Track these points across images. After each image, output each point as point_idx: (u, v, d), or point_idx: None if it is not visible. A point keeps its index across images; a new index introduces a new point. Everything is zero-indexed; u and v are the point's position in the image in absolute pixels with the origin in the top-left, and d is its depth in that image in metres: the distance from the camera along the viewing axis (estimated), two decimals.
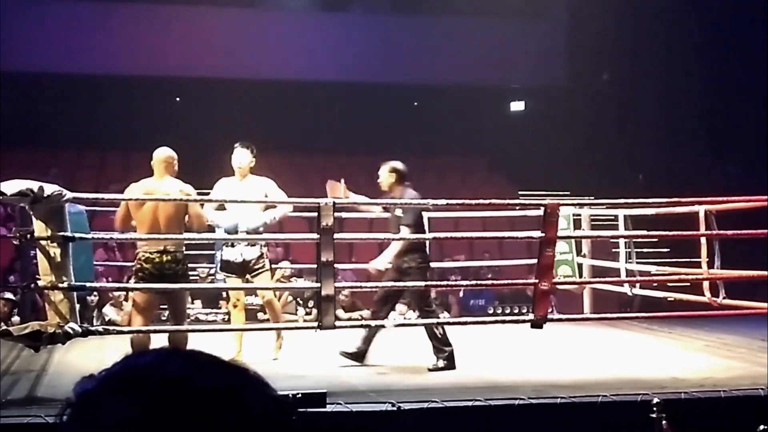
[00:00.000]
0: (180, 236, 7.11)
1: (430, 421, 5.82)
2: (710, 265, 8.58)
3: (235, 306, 8.19)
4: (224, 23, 17.59)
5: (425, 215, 10.27)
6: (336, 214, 7.11)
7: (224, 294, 11.64)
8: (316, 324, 6.98)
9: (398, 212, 7.70)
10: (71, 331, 6.22)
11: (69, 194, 6.32)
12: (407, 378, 7.18)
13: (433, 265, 10.95)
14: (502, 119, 19.93)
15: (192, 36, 17.19)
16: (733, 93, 16.03)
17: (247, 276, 7.92)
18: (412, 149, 18.34)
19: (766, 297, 7.58)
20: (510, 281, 10.43)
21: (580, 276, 10.53)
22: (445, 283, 10.67)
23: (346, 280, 11.27)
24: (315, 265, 7.12)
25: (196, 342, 7.29)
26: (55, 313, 6.24)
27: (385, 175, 7.83)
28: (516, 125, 19.76)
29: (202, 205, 7.56)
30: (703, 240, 8.68)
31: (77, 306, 6.47)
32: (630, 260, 10.32)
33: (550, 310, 7.59)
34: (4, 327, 6.67)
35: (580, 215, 10.82)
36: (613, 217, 11.21)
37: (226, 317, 11.43)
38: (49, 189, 6.17)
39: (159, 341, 7.23)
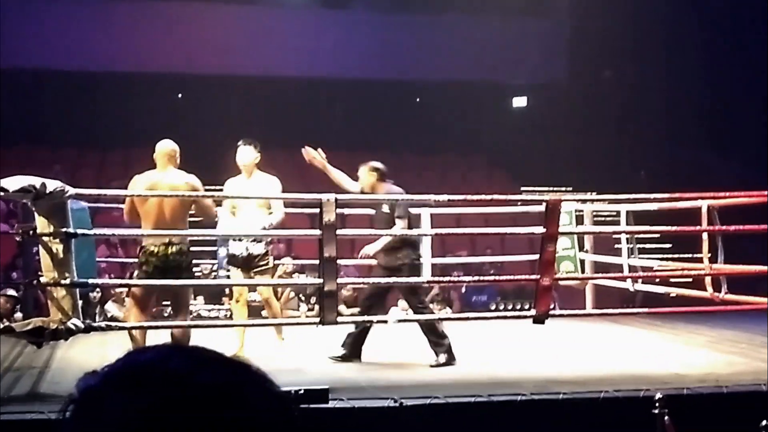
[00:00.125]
0: (182, 232, 7.11)
1: (432, 417, 5.82)
2: (712, 261, 8.57)
3: (237, 301, 8.20)
4: (225, 20, 17.58)
5: (428, 211, 10.30)
6: (338, 210, 7.12)
7: (227, 290, 11.67)
8: (318, 320, 6.98)
9: (385, 208, 7.69)
10: (74, 328, 6.23)
11: (71, 190, 6.31)
12: (409, 374, 7.18)
13: (435, 261, 11.00)
14: (504, 116, 19.92)
15: (193, 33, 17.18)
16: (734, 89, 16.01)
17: (251, 272, 7.95)
18: (414, 146, 18.38)
19: (767, 292, 7.57)
20: (512, 277, 10.44)
21: (582, 272, 10.52)
22: (447, 279, 10.67)
23: (349, 275, 11.26)
24: (317, 261, 7.12)
25: (198, 338, 7.29)
26: (57, 310, 6.25)
27: (366, 175, 7.77)
28: (518, 122, 19.75)
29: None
30: (704, 235, 8.67)
31: (80, 302, 6.47)
32: (632, 256, 10.32)
33: (552, 306, 7.58)
34: (7, 323, 6.68)
35: (582, 211, 10.81)
36: (615, 213, 11.21)
37: (229, 313, 11.46)
38: (52, 185, 6.17)
39: (162, 338, 7.24)
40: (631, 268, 10.21)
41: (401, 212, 7.62)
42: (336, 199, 6.87)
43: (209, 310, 11.45)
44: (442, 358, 7.51)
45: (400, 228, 7.59)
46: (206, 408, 0.85)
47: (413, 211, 10.57)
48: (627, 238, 10.43)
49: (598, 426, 5.92)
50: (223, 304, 11.70)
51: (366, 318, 7.70)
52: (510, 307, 12.38)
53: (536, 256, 7.65)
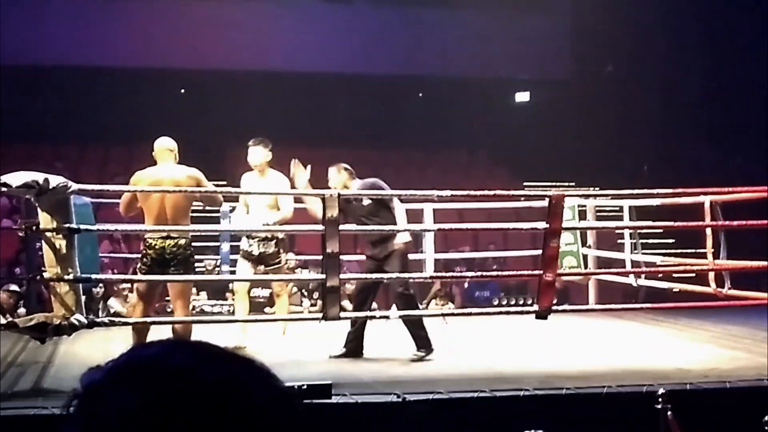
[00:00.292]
0: (185, 227, 7.12)
1: (435, 413, 5.82)
2: (715, 256, 8.57)
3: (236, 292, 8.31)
4: (228, 15, 17.58)
5: (430, 206, 10.30)
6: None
7: (230, 286, 11.69)
8: (321, 315, 6.99)
9: (365, 201, 7.69)
10: (77, 323, 6.24)
11: (74, 186, 6.32)
12: (412, 369, 7.18)
13: (438, 256, 11.00)
14: (507, 111, 19.91)
15: (195, 28, 17.18)
16: (737, 84, 15.99)
17: (261, 267, 8.04)
18: (417, 141, 18.38)
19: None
20: (515, 272, 10.42)
21: (585, 267, 10.52)
22: (450, 274, 10.67)
23: (351, 271, 11.26)
24: (320, 257, 7.13)
25: (201, 333, 7.30)
26: (60, 305, 6.25)
27: (337, 175, 7.79)
28: (521, 117, 19.74)
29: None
30: (708, 231, 8.67)
31: (83, 298, 6.48)
32: (635, 251, 10.31)
33: (554, 301, 7.58)
34: (10, 319, 6.69)
35: (585, 206, 10.80)
36: (618, 208, 11.20)
37: (232, 309, 11.47)
38: (55, 181, 6.17)
39: (166, 333, 7.25)
40: (634, 264, 10.21)
41: (390, 199, 7.66)
42: (339, 195, 6.88)
43: (212, 306, 11.45)
44: (423, 351, 7.52)
45: (400, 209, 7.62)
46: (209, 403, 0.85)
47: (414, 206, 10.60)
48: (630, 234, 10.42)
49: (601, 421, 5.92)
50: (226, 300, 11.71)
51: (368, 314, 7.70)
52: (513, 302, 12.38)
53: (539, 252, 7.65)
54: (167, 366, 0.88)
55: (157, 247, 6.94)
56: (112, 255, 11.92)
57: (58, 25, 17.06)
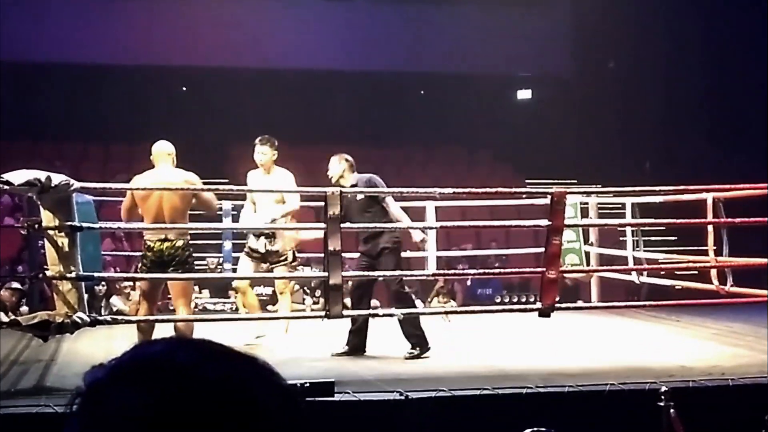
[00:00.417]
0: (184, 226, 7.17)
1: (438, 410, 5.82)
2: (718, 253, 8.56)
3: (244, 293, 8.36)
4: (229, 13, 17.56)
5: (432, 204, 10.30)
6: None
7: (233, 284, 11.70)
8: (323, 313, 6.99)
9: (359, 196, 7.70)
10: (79, 321, 6.24)
11: (76, 184, 6.33)
12: (415, 367, 7.18)
13: (440, 254, 11.00)
14: (509, 108, 19.90)
15: (196, 26, 17.17)
16: (739, 81, 15.98)
17: (264, 266, 8.11)
18: (419, 138, 18.38)
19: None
20: (517, 270, 10.44)
21: (588, 264, 10.52)
22: (452, 272, 10.68)
23: (354, 269, 11.26)
24: (322, 255, 7.13)
25: (203, 331, 7.31)
26: (63, 303, 6.26)
27: (338, 164, 7.82)
28: (522, 114, 19.73)
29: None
30: (710, 228, 8.66)
31: (85, 296, 6.48)
32: (637, 248, 10.31)
33: (557, 299, 7.58)
34: (13, 317, 6.69)
35: (587, 203, 10.80)
36: (620, 205, 11.20)
37: (234, 306, 11.48)
38: (57, 179, 6.18)
39: (169, 332, 7.26)
40: (636, 261, 10.20)
41: (383, 196, 7.68)
42: (341, 193, 6.88)
43: (214, 304, 11.46)
44: (417, 349, 7.52)
45: (394, 204, 7.63)
46: (213, 401, 0.85)
47: (416, 204, 10.60)
48: (632, 231, 10.42)
49: (604, 419, 5.92)
50: (228, 298, 11.72)
51: (371, 312, 7.71)
52: (515, 299, 12.38)
53: (541, 249, 7.65)
54: (170, 364, 0.88)
55: (155, 249, 7.01)
56: (114, 253, 11.92)
57: (60, 24, 17.06)
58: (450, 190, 7.69)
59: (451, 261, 12.60)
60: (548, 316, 7.26)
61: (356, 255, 9.75)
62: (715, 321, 9.54)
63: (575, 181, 16.06)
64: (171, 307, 10.71)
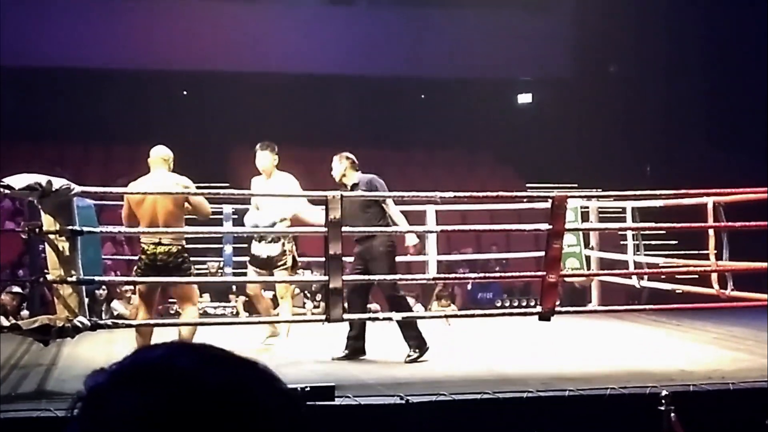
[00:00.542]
0: (182, 230, 7.24)
1: (438, 415, 5.82)
2: (718, 257, 8.56)
3: (257, 299, 8.50)
4: (230, 17, 17.59)
5: (433, 208, 10.30)
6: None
7: (234, 288, 11.71)
8: (324, 317, 6.99)
9: (359, 193, 7.71)
10: (80, 325, 6.24)
11: (77, 188, 6.33)
12: (415, 371, 7.18)
13: (440, 258, 11.00)
14: (510, 112, 19.91)
15: (198, 30, 17.19)
16: (739, 84, 15.99)
17: (267, 270, 8.16)
18: (419, 142, 18.38)
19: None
20: (517, 274, 10.43)
21: (588, 268, 10.51)
22: (453, 275, 10.67)
23: (349, 272, 11.26)
24: (323, 258, 7.13)
25: (205, 335, 7.31)
26: (63, 307, 6.26)
27: (339, 163, 7.86)
28: (523, 118, 19.74)
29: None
30: (711, 232, 8.66)
31: (86, 300, 6.49)
32: (638, 252, 10.31)
33: (557, 303, 7.58)
34: (14, 321, 6.70)
35: (587, 207, 10.80)
36: (620, 209, 11.19)
37: (235, 311, 11.49)
38: (58, 183, 6.18)
39: (168, 335, 7.26)
40: (637, 265, 10.20)
41: (383, 198, 7.69)
42: (342, 197, 6.88)
43: (215, 308, 11.46)
44: (416, 352, 7.53)
45: (393, 208, 7.64)
46: (214, 406, 0.86)
47: (417, 208, 10.60)
48: (633, 235, 10.41)
49: (605, 423, 5.92)
50: (229, 302, 11.72)
51: (371, 315, 7.70)
52: (516, 303, 12.38)
53: (542, 253, 7.65)
54: (172, 369, 0.88)
55: (149, 252, 7.07)
56: (114, 257, 11.93)
57: (62, 27, 17.07)
58: (451, 194, 7.69)
59: (452, 265, 12.60)
60: (548, 320, 7.26)
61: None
62: (715, 325, 9.54)
63: (576, 185, 16.06)
64: (171, 311, 10.75)
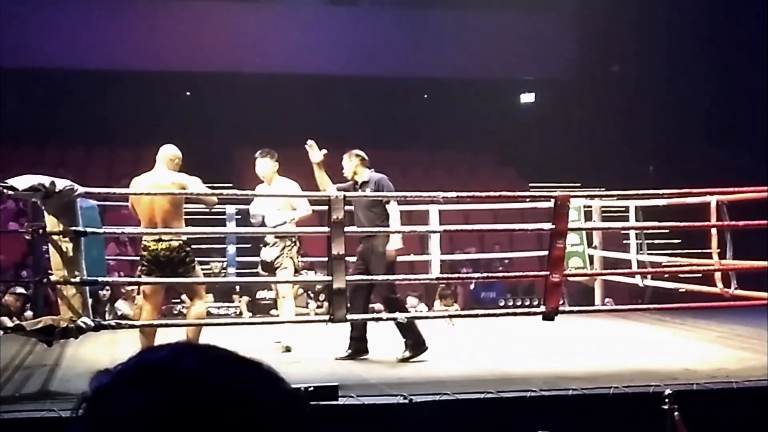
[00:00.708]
0: (186, 230, 7.31)
1: (441, 414, 5.83)
2: (722, 256, 8.55)
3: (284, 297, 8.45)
4: (232, 18, 17.60)
5: (436, 208, 10.30)
6: (346, 207, 7.11)
7: (237, 288, 11.73)
8: (327, 317, 7.00)
9: (368, 192, 7.70)
10: (84, 326, 6.25)
11: (80, 189, 6.34)
12: (419, 371, 7.18)
13: (443, 257, 11.00)
14: (512, 112, 19.91)
15: (200, 31, 17.20)
16: (743, 83, 15.98)
17: (274, 272, 8.23)
18: (422, 143, 18.38)
19: None
20: (521, 273, 10.43)
21: (591, 268, 10.51)
22: (456, 275, 10.68)
23: (351, 272, 11.26)
24: (326, 259, 7.14)
25: (208, 336, 7.32)
26: (67, 308, 6.27)
27: (349, 161, 7.87)
28: (526, 118, 19.73)
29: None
30: (714, 231, 8.65)
31: (89, 300, 6.51)
32: (641, 251, 10.31)
33: (561, 302, 7.58)
34: (17, 322, 6.70)
35: (590, 207, 10.80)
36: (623, 209, 11.19)
37: (238, 311, 11.50)
38: (61, 184, 6.19)
39: (171, 334, 7.27)
40: (640, 264, 10.20)
41: (391, 199, 7.67)
42: (344, 197, 6.89)
43: (218, 308, 11.47)
44: (408, 352, 7.52)
45: (395, 212, 7.62)
46: (218, 406, 0.86)
47: (420, 208, 10.60)
48: (636, 234, 10.42)
49: (608, 422, 5.92)
50: (232, 302, 11.73)
51: (374, 316, 7.71)
52: (519, 303, 12.38)
53: (545, 253, 7.64)
54: (176, 369, 0.88)
55: (150, 249, 7.12)
56: (118, 257, 11.94)
57: (63, 29, 17.09)
58: (453, 194, 7.70)
59: (455, 264, 12.60)
60: (552, 319, 7.27)
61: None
62: (719, 324, 9.53)
63: (579, 185, 16.05)
64: (174, 311, 10.76)
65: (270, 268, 8.22)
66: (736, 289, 8.37)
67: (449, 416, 5.84)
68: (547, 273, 7.19)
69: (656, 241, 13.33)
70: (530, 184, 16.47)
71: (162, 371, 0.88)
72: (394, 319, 7.47)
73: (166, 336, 7.16)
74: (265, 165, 8.22)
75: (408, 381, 6.61)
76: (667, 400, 5.56)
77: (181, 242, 7.16)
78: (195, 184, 7.29)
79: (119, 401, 0.87)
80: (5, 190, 6.08)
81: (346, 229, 6.89)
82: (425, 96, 19.96)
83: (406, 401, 5.80)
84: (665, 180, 14.06)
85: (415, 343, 7.56)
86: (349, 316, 7.04)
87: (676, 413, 5.53)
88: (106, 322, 6.89)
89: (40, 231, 6.39)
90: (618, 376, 6.63)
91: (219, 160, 16.42)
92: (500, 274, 12.19)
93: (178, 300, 10.95)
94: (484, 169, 18.49)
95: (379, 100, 18.68)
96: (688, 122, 17.05)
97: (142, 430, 0.85)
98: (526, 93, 20.66)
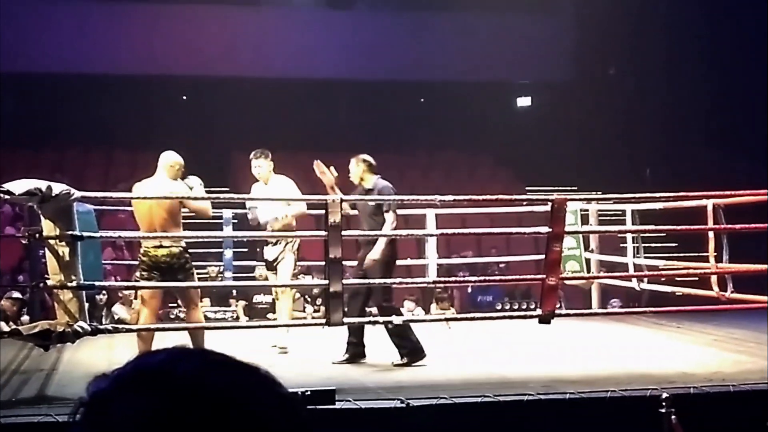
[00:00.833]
0: (183, 234, 7.35)
1: (439, 418, 5.82)
2: (718, 260, 8.56)
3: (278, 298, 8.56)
4: (230, 22, 17.61)
5: (433, 211, 10.30)
6: (352, 213, 7.11)
7: (234, 292, 11.72)
8: (324, 321, 6.99)
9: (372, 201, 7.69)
10: (80, 330, 6.24)
11: (77, 193, 6.34)
12: (416, 374, 7.18)
13: (440, 261, 11.00)
14: (509, 115, 19.92)
15: (198, 35, 17.20)
16: (740, 86, 15.99)
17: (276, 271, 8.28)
18: (419, 146, 18.39)
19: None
20: (517, 277, 10.44)
21: (588, 271, 10.52)
22: (453, 279, 10.67)
23: (350, 277, 11.26)
24: (323, 263, 7.13)
25: (205, 340, 7.32)
26: (64, 312, 6.26)
27: (356, 167, 7.85)
28: (523, 121, 19.75)
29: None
30: (710, 234, 8.66)
31: (86, 305, 6.50)
32: (638, 255, 10.32)
33: (557, 306, 7.58)
34: (14, 326, 6.70)
35: (587, 210, 10.81)
36: (620, 212, 11.21)
37: (235, 315, 11.49)
38: (58, 188, 6.19)
39: (169, 339, 7.26)
40: (637, 268, 10.21)
41: (390, 206, 7.63)
42: (341, 200, 6.90)
43: (215, 312, 11.46)
44: (405, 359, 7.51)
45: (389, 221, 7.60)
46: (215, 410, 0.86)
47: (417, 211, 10.60)
48: (632, 238, 10.43)
49: (605, 426, 5.92)
50: (229, 306, 11.72)
51: (371, 319, 7.70)
52: (516, 306, 12.38)
53: (542, 256, 7.65)
54: (174, 374, 0.88)
55: (150, 254, 7.16)
56: (115, 262, 11.93)
57: (62, 33, 17.09)
58: (450, 198, 7.69)
59: (452, 268, 12.60)
60: (548, 323, 7.26)
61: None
62: (715, 327, 9.53)
63: (575, 188, 16.07)
64: (172, 316, 10.75)
65: (273, 266, 8.26)
66: (732, 292, 8.38)
67: (446, 420, 5.84)
68: (544, 276, 7.19)
69: (653, 245, 13.34)
70: (527, 188, 16.48)
71: (159, 376, 0.88)
72: (389, 322, 7.45)
73: (163, 340, 7.16)
74: (260, 165, 8.26)
75: (405, 385, 6.61)
76: (664, 404, 5.56)
77: (182, 248, 7.19)
78: (195, 192, 7.32)
79: (116, 406, 0.87)
80: (2, 195, 6.07)
81: (342, 233, 6.88)
82: (423, 99, 20.00)
83: (404, 405, 5.80)
84: (663, 182, 14.06)
85: (412, 351, 7.54)
86: (346, 320, 7.04)
87: (673, 416, 5.53)
88: (103, 327, 6.89)
89: (37, 235, 6.38)
90: (615, 379, 6.63)
91: (216, 163, 16.41)
92: (497, 278, 12.18)
93: (176, 304, 10.93)
94: (482, 171, 18.50)
95: (377, 103, 18.69)
96: (685, 125, 17.06)
97: None
98: (524, 96, 20.69)
